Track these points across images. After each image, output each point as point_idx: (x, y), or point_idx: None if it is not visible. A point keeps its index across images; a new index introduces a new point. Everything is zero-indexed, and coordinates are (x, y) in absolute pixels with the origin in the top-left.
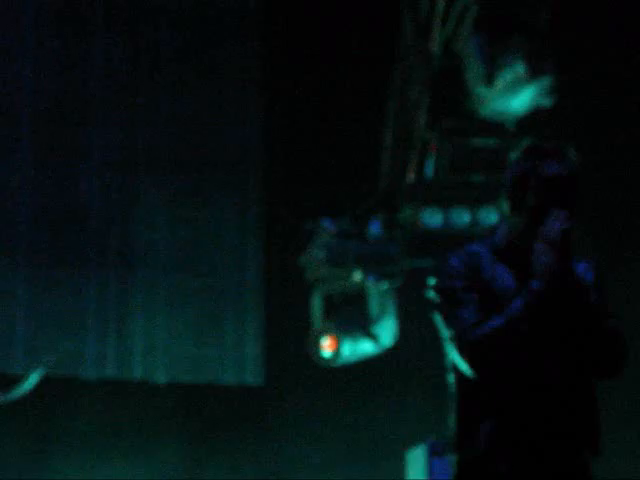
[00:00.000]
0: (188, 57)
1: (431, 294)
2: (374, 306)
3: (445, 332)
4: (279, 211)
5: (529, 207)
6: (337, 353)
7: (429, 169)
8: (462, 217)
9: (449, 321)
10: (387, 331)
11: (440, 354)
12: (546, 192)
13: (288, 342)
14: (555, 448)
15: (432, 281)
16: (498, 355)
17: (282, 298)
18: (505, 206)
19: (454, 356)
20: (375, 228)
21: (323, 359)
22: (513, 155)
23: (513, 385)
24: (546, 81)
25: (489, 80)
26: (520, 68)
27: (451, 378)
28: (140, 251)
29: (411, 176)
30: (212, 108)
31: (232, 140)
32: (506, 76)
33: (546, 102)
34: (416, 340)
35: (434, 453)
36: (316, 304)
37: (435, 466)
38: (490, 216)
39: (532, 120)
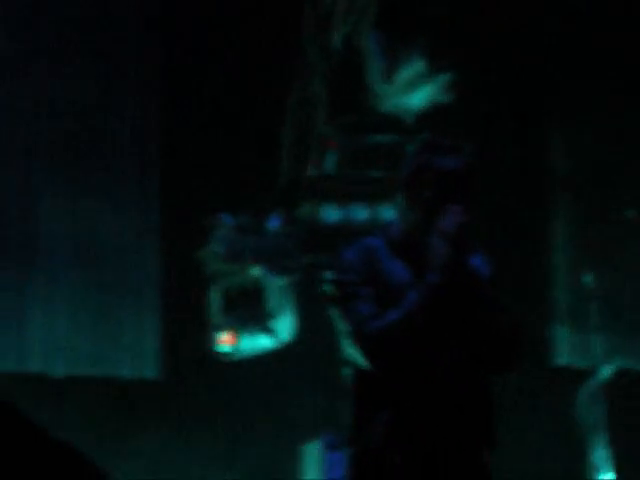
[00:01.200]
0: (88, 47)
1: (327, 288)
2: (272, 301)
3: (341, 326)
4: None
5: (425, 201)
6: (235, 348)
7: (328, 164)
8: (361, 213)
9: (345, 315)
10: (285, 326)
11: (337, 348)
12: (442, 187)
13: (186, 337)
14: (449, 440)
15: (328, 275)
16: (394, 348)
17: (181, 293)
18: (401, 200)
19: (350, 350)
20: (274, 223)
21: (221, 354)
22: (410, 150)
23: (409, 378)
24: (445, 77)
25: (389, 76)
26: (419, 64)
27: (346, 371)
28: (40, 245)
29: (310, 171)
30: (113, 101)
31: (132, 134)
32: (405, 72)
33: (445, 98)
34: (314, 335)
35: (329, 448)
36: (214, 299)
37: (330, 461)
38: (389, 212)
39: (431, 116)
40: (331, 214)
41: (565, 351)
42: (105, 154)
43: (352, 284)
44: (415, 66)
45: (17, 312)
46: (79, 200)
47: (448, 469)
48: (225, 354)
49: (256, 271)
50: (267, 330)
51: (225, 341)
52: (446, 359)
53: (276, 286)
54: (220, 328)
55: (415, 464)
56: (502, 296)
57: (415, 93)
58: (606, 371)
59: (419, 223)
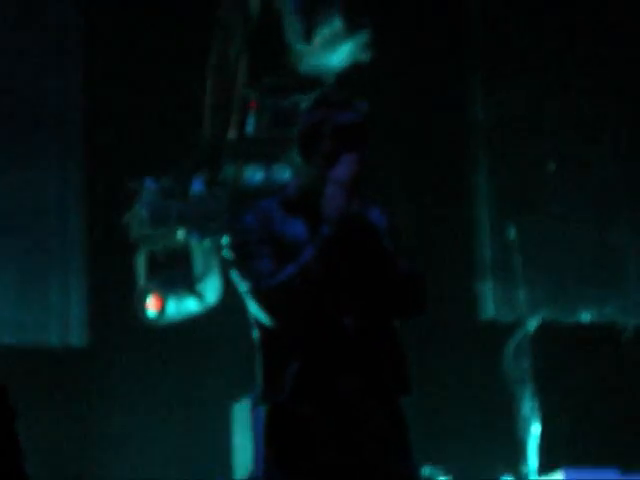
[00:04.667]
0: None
1: (226, 252)
2: (198, 264)
3: (242, 286)
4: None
5: (322, 155)
6: (162, 312)
7: (250, 126)
8: (283, 173)
9: (245, 274)
10: (212, 288)
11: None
12: (339, 140)
13: (113, 302)
14: (359, 388)
15: (226, 239)
16: (292, 302)
17: (106, 258)
18: (297, 157)
19: (253, 309)
20: (197, 186)
21: (148, 318)
22: (305, 106)
23: (312, 330)
24: (363, 35)
25: (307, 36)
26: (337, 23)
27: (255, 332)
28: None
29: (232, 133)
30: (31, 64)
31: (51, 98)
32: (324, 32)
33: (364, 57)
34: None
35: (258, 403)
36: (140, 263)
37: (259, 416)
38: None
39: (351, 74)
40: (255, 175)
41: (490, 305)
42: (26, 119)
43: (250, 243)
44: (333, 25)
45: None
46: (0, 170)
47: (360, 418)
48: (152, 318)
49: (181, 234)
50: (194, 293)
51: (152, 305)
52: (348, 308)
53: (202, 249)
54: (147, 292)
55: (325, 413)
56: (404, 244)
57: (334, 52)
58: (531, 324)
59: (316, 177)
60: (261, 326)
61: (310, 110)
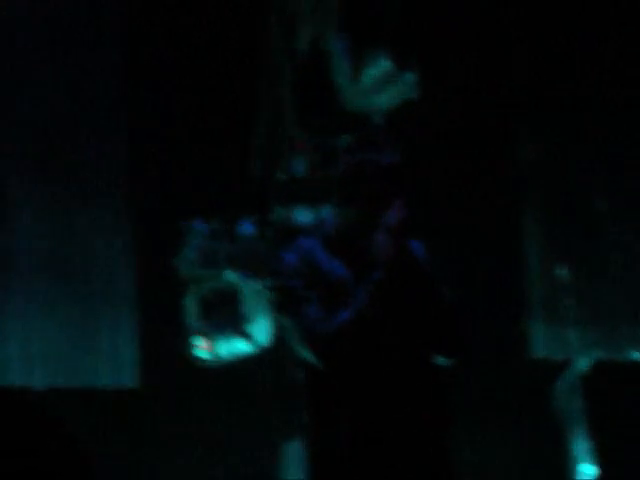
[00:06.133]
0: (51, 62)
1: (271, 295)
2: (248, 305)
3: (291, 330)
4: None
5: (363, 196)
6: (213, 353)
7: (298, 167)
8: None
9: (294, 319)
10: (262, 330)
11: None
12: (382, 181)
13: (164, 343)
14: (412, 429)
15: (271, 282)
16: (347, 347)
17: (156, 300)
18: (337, 198)
19: (302, 352)
20: (247, 228)
21: (199, 360)
22: (343, 147)
23: (365, 372)
24: (411, 76)
25: (355, 76)
26: (385, 63)
27: (300, 375)
28: (13, 258)
29: (281, 175)
30: (78, 110)
31: (99, 142)
32: (372, 72)
33: (412, 97)
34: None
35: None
36: (190, 305)
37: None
38: None
39: (399, 115)
40: (304, 216)
41: (541, 344)
42: (72, 165)
43: (296, 288)
44: (381, 65)
45: None
46: (53, 215)
47: (410, 459)
48: (203, 360)
49: (231, 276)
50: (243, 334)
51: (202, 347)
52: (401, 350)
53: (251, 290)
54: (197, 334)
55: (376, 457)
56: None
57: (382, 92)
58: (583, 363)
59: (358, 219)
60: (309, 368)
61: (350, 151)
